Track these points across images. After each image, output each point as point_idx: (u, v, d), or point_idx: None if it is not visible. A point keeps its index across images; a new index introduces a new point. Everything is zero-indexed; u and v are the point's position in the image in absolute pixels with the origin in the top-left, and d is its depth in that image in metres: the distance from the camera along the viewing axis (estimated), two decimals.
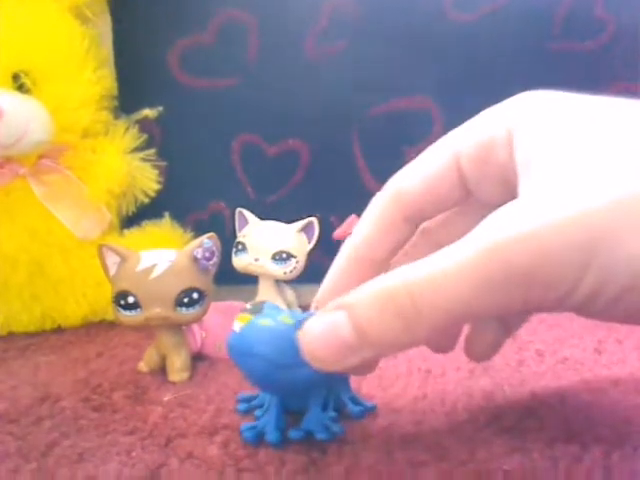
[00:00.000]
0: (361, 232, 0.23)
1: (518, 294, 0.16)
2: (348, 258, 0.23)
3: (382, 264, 0.23)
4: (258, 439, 0.24)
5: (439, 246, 0.18)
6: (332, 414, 0.25)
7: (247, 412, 0.27)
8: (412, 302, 0.17)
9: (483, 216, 0.18)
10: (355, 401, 0.26)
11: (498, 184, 0.20)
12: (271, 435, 0.24)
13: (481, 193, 0.21)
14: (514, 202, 0.17)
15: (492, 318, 0.23)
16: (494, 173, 0.20)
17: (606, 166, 0.16)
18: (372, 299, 0.18)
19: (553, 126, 0.18)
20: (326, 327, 0.18)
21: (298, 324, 0.21)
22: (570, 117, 0.18)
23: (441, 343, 0.25)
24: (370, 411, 0.26)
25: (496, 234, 0.16)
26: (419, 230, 0.23)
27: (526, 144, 0.19)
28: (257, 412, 0.26)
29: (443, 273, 0.17)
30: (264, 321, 0.22)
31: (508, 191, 0.19)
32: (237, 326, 0.23)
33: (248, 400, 0.28)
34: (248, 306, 0.24)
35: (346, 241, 0.24)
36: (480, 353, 0.24)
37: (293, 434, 0.24)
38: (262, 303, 0.24)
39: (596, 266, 0.15)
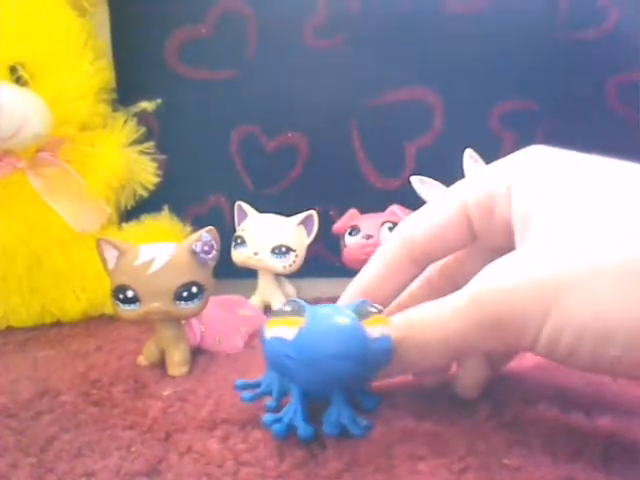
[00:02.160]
0: (369, 273, 0.26)
1: (496, 337, 0.20)
2: (357, 295, 0.25)
3: (390, 300, 0.26)
4: (288, 432, 0.23)
5: (455, 282, 0.22)
6: (362, 421, 0.23)
7: (253, 401, 0.25)
8: (421, 334, 0.22)
9: (489, 257, 0.21)
10: (364, 394, 0.25)
11: (501, 232, 0.23)
12: (304, 430, 0.22)
13: (486, 239, 0.24)
14: (505, 257, 0.21)
15: (484, 353, 0.26)
16: (497, 222, 0.23)
17: (578, 232, 0.19)
18: (398, 331, 0.23)
19: (547, 186, 0.21)
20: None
21: (356, 314, 0.22)
22: (564, 179, 0.21)
23: (434, 375, 0.27)
24: (379, 403, 0.25)
25: (480, 286, 0.21)
26: (437, 269, 0.27)
27: (521, 201, 0.21)
28: (269, 403, 0.24)
29: (440, 315, 0.22)
30: (341, 318, 0.21)
31: (510, 239, 0.22)
32: (270, 332, 0.22)
33: (249, 387, 0.26)
34: (287, 308, 0.22)
35: (353, 281, 0.26)
36: (468, 389, 0.26)
37: (328, 429, 0.22)
38: (296, 302, 0.22)
39: (551, 321, 0.19)
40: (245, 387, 0.26)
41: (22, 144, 0.44)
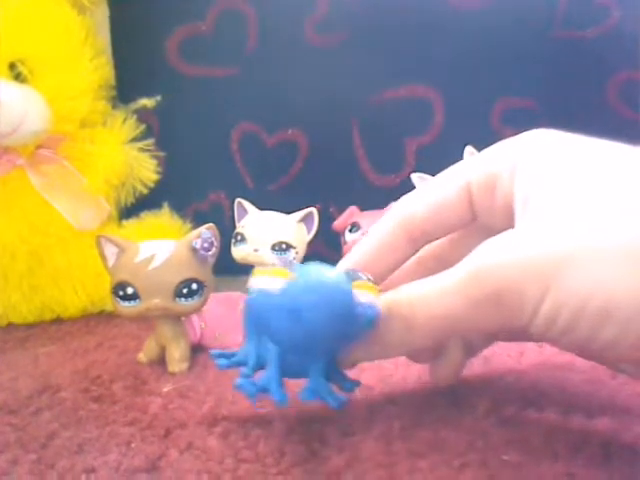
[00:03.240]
0: (364, 249, 0.25)
1: (492, 315, 0.20)
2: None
3: (385, 277, 0.25)
4: (257, 393, 0.22)
5: (445, 264, 0.21)
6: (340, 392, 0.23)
7: (229, 368, 0.25)
8: (412, 312, 0.21)
9: (485, 239, 0.21)
10: (342, 377, 0.25)
11: (502, 213, 0.22)
12: (277, 394, 0.22)
13: (487, 219, 0.24)
14: (504, 233, 0.20)
15: (474, 334, 0.26)
16: (499, 203, 0.23)
17: (583, 210, 0.19)
18: (386, 306, 0.22)
19: (551, 168, 0.21)
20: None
21: (346, 277, 0.21)
22: (568, 161, 0.21)
23: (423, 354, 0.26)
24: (357, 385, 0.25)
25: (479, 261, 0.20)
26: (430, 250, 0.26)
27: (525, 182, 0.21)
28: (245, 370, 0.24)
29: (436, 291, 0.21)
30: (327, 271, 0.21)
31: (510, 220, 0.22)
32: (258, 280, 0.21)
33: (224, 356, 0.25)
34: (275, 262, 0.22)
35: (346, 256, 0.25)
36: (444, 376, 0.26)
37: (304, 395, 0.22)
38: (286, 259, 0.22)
39: (550, 297, 0.19)
40: (221, 356, 0.26)
41: (22, 141, 0.44)
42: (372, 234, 0.25)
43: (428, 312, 0.21)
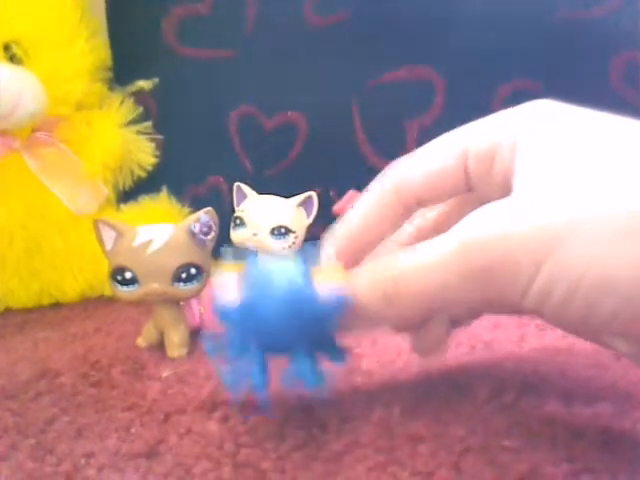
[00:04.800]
0: (358, 217, 0.24)
1: (481, 290, 0.19)
2: (342, 239, 0.24)
3: (375, 244, 0.25)
4: (240, 383, 0.22)
5: (437, 231, 0.20)
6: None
7: (216, 351, 0.24)
8: (395, 288, 0.20)
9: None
10: (331, 347, 0.24)
11: (499, 185, 0.21)
12: (257, 379, 0.22)
13: (483, 191, 0.22)
14: (496, 202, 0.19)
15: (462, 308, 0.24)
16: (497, 174, 0.21)
17: (584, 183, 0.18)
18: (366, 281, 0.21)
19: (552, 140, 0.20)
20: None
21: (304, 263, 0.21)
22: (570, 133, 0.20)
23: (405, 325, 0.25)
24: (347, 354, 0.24)
25: (469, 233, 0.19)
26: (429, 218, 0.25)
27: (526, 153, 0.20)
28: (230, 352, 0.23)
29: (421, 265, 0.20)
30: (283, 263, 0.21)
31: (507, 193, 0.20)
32: (225, 277, 0.22)
33: (215, 339, 0.25)
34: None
35: (339, 224, 0.25)
36: (427, 348, 0.25)
37: (285, 380, 0.22)
38: (245, 252, 0.22)
39: (545, 270, 0.18)
40: (211, 338, 0.25)
41: (17, 124, 0.43)
42: (365, 200, 0.24)
43: (411, 288, 0.20)
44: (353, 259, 0.23)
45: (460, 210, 0.24)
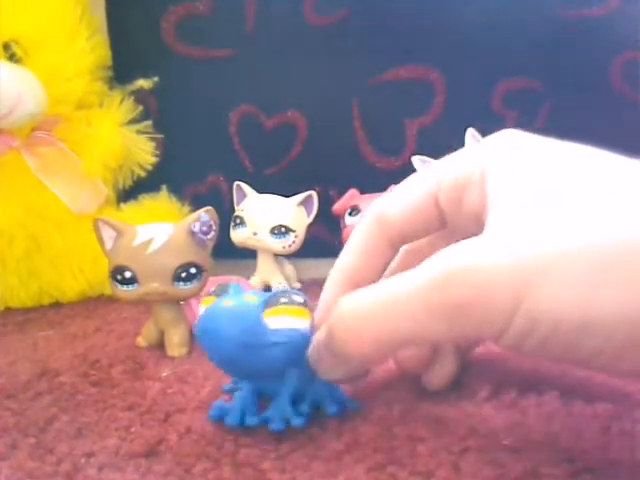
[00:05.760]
0: (348, 257, 0.25)
1: (458, 326, 0.18)
2: (336, 284, 0.25)
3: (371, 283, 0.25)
4: (220, 419, 0.24)
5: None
6: (304, 408, 0.23)
7: (231, 392, 0.26)
8: (357, 327, 0.20)
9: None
10: (337, 400, 0.24)
11: (471, 219, 0.21)
12: (230, 418, 0.23)
13: (456, 226, 0.23)
14: (472, 238, 0.19)
15: (436, 343, 0.25)
16: (468, 207, 0.21)
17: (556, 216, 0.17)
18: (329, 322, 0.20)
19: (521, 171, 0.19)
20: (315, 344, 0.22)
21: (263, 303, 0.22)
22: (538, 164, 0.19)
23: (413, 365, 0.26)
24: (351, 408, 0.24)
25: (442, 267, 0.18)
26: (404, 250, 0.25)
27: (495, 186, 0.20)
28: (237, 393, 0.24)
29: (389, 301, 0.19)
30: (228, 301, 0.22)
31: (479, 228, 0.20)
32: (202, 309, 0.23)
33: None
34: (212, 289, 0.23)
35: (335, 265, 0.25)
36: (437, 384, 0.25)
37: (248, 420, 0.23)
38: (228, 285, 0.23)
39: (524, 310, 0.17)
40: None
41: (17, 123, 0.43)
42: (353, 240, 0.25)
43: (376, 326, 0.19)
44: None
45: (434, 248, 0.23)
